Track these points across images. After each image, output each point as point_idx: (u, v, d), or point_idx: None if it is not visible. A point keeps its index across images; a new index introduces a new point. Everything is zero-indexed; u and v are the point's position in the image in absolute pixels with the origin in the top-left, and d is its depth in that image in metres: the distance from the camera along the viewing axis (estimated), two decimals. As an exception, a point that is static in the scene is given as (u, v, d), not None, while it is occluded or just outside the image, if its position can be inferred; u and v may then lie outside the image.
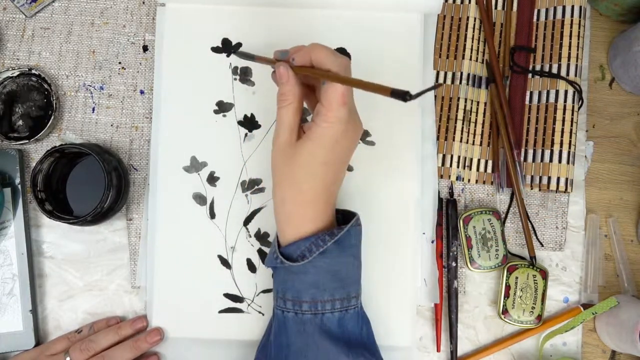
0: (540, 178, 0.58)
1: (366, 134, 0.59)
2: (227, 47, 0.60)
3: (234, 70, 0.60)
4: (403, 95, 0.34)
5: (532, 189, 0.60)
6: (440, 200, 0.60)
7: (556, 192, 0.59)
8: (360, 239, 0.49)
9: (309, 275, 0.45)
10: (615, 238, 0.60)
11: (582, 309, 0.58)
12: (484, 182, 0.61)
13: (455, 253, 0.59)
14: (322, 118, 0.43)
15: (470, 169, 0.60)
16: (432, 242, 0.59)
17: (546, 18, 0.60)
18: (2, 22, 0.62)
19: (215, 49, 0.60)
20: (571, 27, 0.58)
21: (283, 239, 0.47)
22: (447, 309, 0.59)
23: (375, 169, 0.59)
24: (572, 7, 0.58)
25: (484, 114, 0.61)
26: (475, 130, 0.61)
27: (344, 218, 0.50)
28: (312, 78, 0.47)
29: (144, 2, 0.62)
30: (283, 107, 0.45)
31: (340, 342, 0.45)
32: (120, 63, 0.62)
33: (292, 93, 0.45)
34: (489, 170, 0.61)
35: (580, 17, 0.58)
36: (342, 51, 0.60)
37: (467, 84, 0.60)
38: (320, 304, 0.45)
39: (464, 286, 0.59)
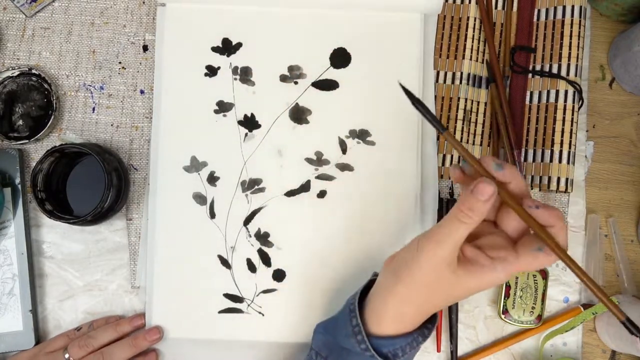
0: (541, 178, 0.58)
1: (366, 133, 0.59)
2: (227, 47, 0.60)
3: (234, 70, 0.60)
4: (637, 328, 0.35)
5: (532, 189, 0.60)
6: (440, 200, 0.60)
7: (556, 192, 0.59)
8: None
9: None
10: (616, 238, 0.60)
11: (582, 309, 0.58)
12: (484, 182, 0.61)
13: (455, 253, 0.59)
14: (505, 268, 0.40)
15: (471, 169, 0.60)
16: (432, 242, 0.59)
17: (546, 18, 0.60)
18: (2, 22, 0.62)
19: (216, 49, 0.60)
20: (571, 27, 0.58)
21: (378, 329, 0.44)
22: (447, 309, 0.59)
23: (375, 169, 0.59)
24: (573, 7, 0.58)
25: (484, 114, 0.61)
26: (475, 130, 0.60)
27: None
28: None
29: (144, 2, 0.62)
30: (463, 223, 0.39)
31: None
32: (120, 63, 0.62)
33: (481, 213, 0.39)
34: (489, 170, 0.60)
35: (580, 17, 0.58)
36: (342, 51, 0.60)
37: (467, 84, 0.60)
38: None
39: (464, 286, 0.59)
